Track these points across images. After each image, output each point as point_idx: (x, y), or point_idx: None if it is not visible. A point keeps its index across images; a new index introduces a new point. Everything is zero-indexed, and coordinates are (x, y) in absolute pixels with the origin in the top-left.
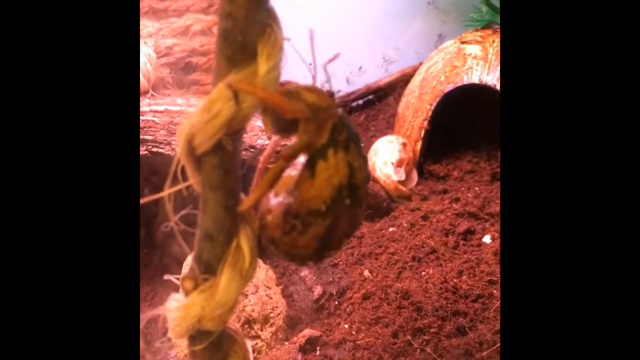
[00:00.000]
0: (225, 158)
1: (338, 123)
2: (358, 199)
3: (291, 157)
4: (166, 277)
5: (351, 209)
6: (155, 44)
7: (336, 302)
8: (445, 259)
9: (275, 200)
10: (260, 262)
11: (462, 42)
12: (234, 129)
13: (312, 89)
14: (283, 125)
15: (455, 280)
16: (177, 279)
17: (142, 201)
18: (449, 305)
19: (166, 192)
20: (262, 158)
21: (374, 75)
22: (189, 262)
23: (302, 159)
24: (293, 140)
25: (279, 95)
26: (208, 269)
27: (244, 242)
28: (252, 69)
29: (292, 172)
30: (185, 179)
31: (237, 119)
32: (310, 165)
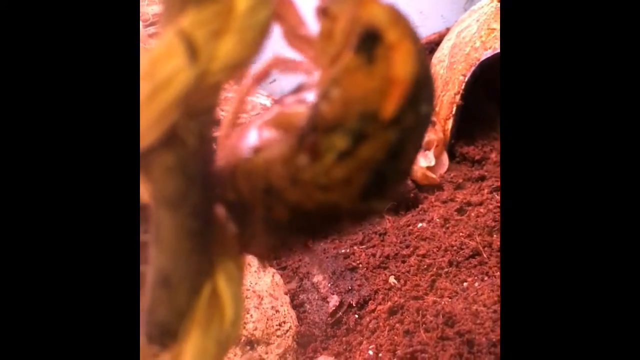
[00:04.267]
0: (186, 157)
1: None
2: (431, 110)
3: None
4: None
5: (423, 125)
6: (140, 11)
7: (356, 316)
8: (492, 264)
9: (263, 134)
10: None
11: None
12: (198, 108)
13: None
14: None
15: None
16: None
17: None
18: None
19: None
20: (233, 106)
21: None
22: None
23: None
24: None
25: None
26: (165, 334)
27: (224, 285)
28: (223, 3)
29: (288, 108)
30: None
31: (202, 90)
32: (365, 46)
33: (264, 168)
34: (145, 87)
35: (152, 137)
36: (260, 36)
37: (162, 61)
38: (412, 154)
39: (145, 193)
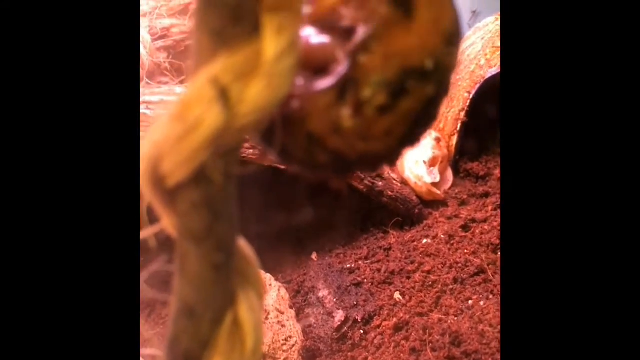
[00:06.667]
0: (212, 193)
1: None
2: (456, 62)
3: None
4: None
5: (453, 70)
6: (150, 24)
7: (361, 331)
8: (496, 283)
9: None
10: (270, 279)
11: None
12: (226, 148)
13: None
14: None
15: None
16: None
17: None
18: None
19: None
20: None
21: None
22: None
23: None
24: None
25: None
26: None
27: (245, 315)
28: (252, 50)
29: (311, 39)
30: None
31: (230, 132)
32: (403, 1)
33: (302, 117)
34: (176, 128)
35: (181, 176)
36: (288, 80)
37: (194, 105)
38: (443, 98)
39: (171, 228)
